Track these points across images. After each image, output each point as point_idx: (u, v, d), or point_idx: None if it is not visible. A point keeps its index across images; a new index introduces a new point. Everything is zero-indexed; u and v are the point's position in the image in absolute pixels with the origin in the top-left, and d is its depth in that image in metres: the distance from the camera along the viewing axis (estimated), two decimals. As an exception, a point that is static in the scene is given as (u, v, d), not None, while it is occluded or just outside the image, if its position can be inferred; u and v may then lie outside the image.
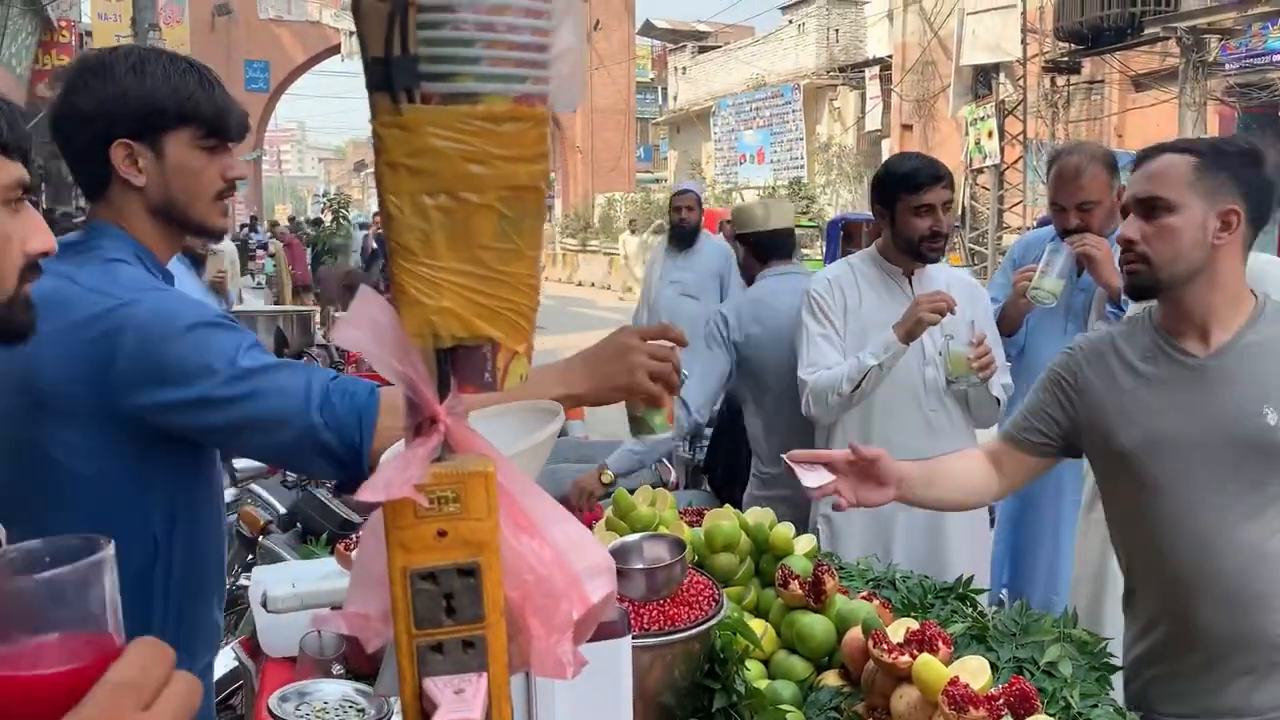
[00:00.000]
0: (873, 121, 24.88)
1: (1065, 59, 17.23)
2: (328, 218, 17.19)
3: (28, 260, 1.10)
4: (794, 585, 2.01)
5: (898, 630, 1.95)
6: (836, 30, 27.05)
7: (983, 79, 18.81)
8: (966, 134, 18.97)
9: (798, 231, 16.75)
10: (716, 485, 4.27)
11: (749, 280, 3.62)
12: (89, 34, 16.61)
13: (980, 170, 18.96)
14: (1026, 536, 3.47)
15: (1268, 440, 1.72)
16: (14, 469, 1.50)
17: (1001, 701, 1.54)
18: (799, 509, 2.97)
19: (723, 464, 4.16)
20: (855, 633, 1.92)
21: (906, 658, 1.68)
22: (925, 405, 3.01)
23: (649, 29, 38.60)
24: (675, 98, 34.30)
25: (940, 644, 1.70)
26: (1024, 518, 3.48)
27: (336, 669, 1.75)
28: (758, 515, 2.25)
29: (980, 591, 2.30)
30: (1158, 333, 1.87)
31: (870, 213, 3.14)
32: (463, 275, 0.67)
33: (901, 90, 22.69)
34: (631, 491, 2.40)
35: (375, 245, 15.14)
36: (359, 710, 1.60)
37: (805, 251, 18.54)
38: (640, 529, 2.25)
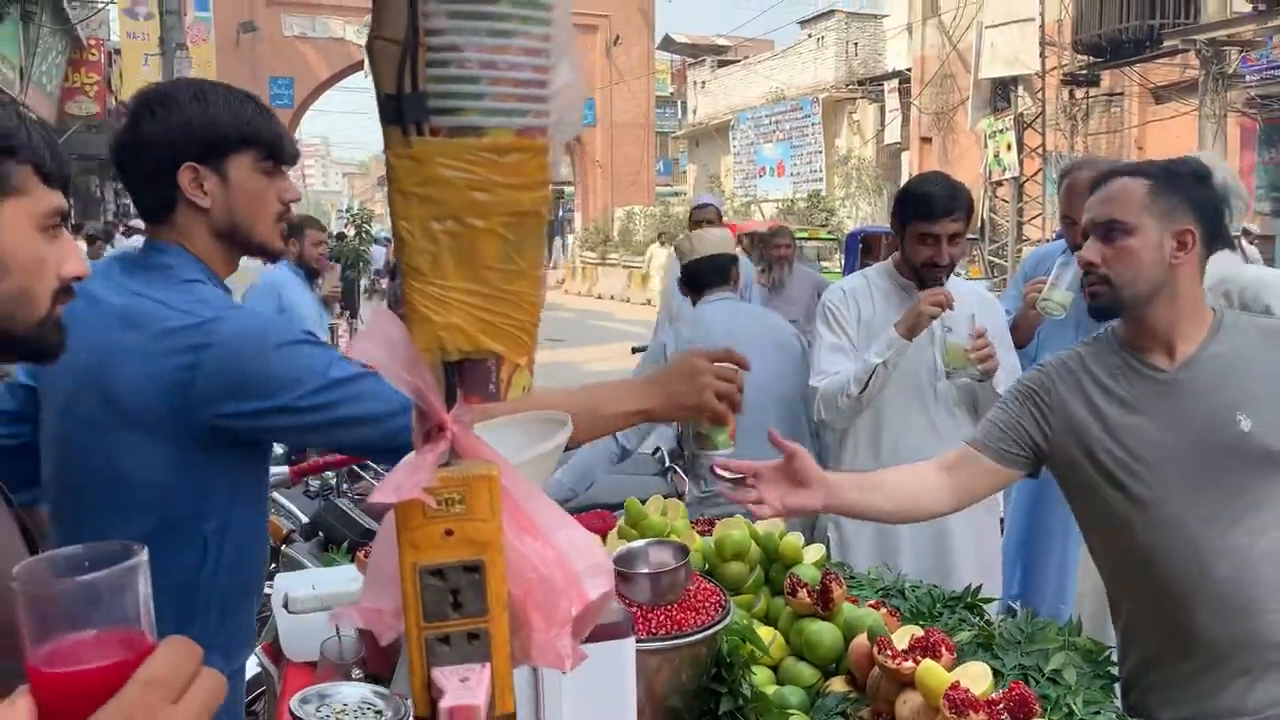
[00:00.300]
0: (892, 134, 24.89)
1: (1084, 71, 17.22)
2: (350, 232, 17.36)
3: (61, 284, 1.15)
4: (802, 593, 2.05)
5: (903, 637, 1.99)
6: (855, 44, 27.09)
7: (1001, 92, 18.82)
8: (985, 147, 18.97)
9: (817, 244, 16.74)
10: None
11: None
12: (117, 52, 16.87)
13: (999, 183, 18.95)
14: (1036, 547, 3.50)
15: (1244, 445, 1.77)
16: (76, 470, 1.58)
17: (1001, 706, 1.58)
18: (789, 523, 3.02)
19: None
20: (861, 639, 1.96)
21: (910, 663, 1.72)
22: (933, 412, 3.05)
23: (668, 44, 38.75)
24: (694, 111, 34.42)
25: (944, 650, 1.74)
26: (1033, 529, 3.51)
27: (356, 673, 1.80)
28: (768, 524, 2.29)
29: (988, 601, 2.34)
30: (1124, 350, 1.92)
31: (889, 225, 3.19)
32: (469, 294, 0.72)
33: (920, 103, 22.70)
34: (644, 501, 2.45)
35: (394, 259, 15.17)
36: (377, 712, 1.65)
37: (824, 264, 18.57)
38: (652, 537, 2.30)
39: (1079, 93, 17.83)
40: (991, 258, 19.02)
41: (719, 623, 1.68)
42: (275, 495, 3.71)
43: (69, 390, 1.58)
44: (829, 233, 20.20)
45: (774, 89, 28.80)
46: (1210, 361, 1.84)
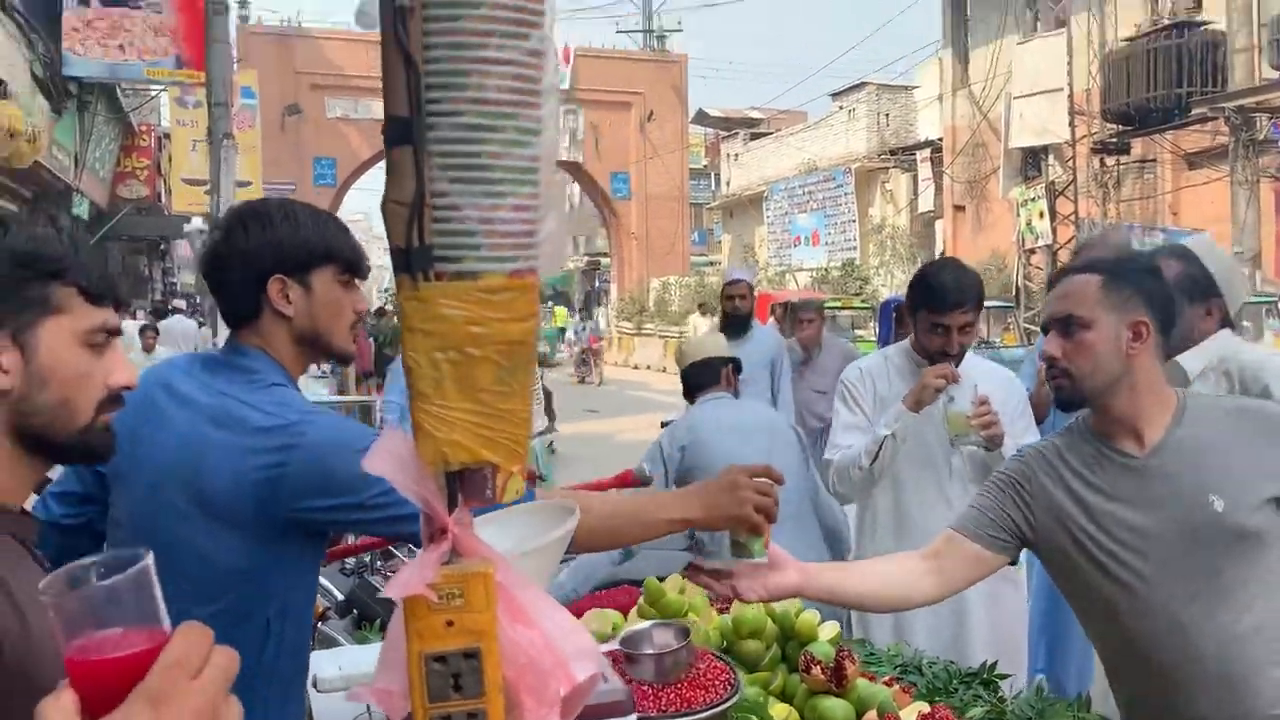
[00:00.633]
0: (925, 203, 25.03)
1: (1114, 140, 17.30)
2: (391, 308, 17.67)
3: (109, 393, 1.27)
4: (816, 670, 2.11)
5: (911, 713, 2.05)
6: (886, 115, 27.36)
7: (1032, 160, 18.93)
8: (1018, 215, 19.04)
9: (851, 313, 16.75)
10: None
11: None
12: (167, 136, 17.48)
13: (1033, 250, 18.98)
14: (1060, 619, 3.52)
15: (1219, 525, 1.83)
16: (153, 549, 1.69)
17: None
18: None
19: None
20: (871, 716, 2.02)
21: (913, 739, 1.77)
22: (947, 486, 3.12)
23: (702, 118, 39.38)
24: (728, 183, 34.84)
25: (948, 725, 1.79)
26: (1057, 601, 3.52)
27: (383, 749, 1.89)
28: (785, 602, 2.36)
29: (1003, 677, 2.39)
30: (1095, 439, 1.99)
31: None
32: (467, 413, 0.84)
33: (953, 172, 22.87)
34: (662, 579, 2.53)
35: None
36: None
37: (859, 332, 18.62)
38: (670, 615, 2.38)
39: (1109, 160, 17.90)
40: (1026, 325, 18.97)
41: (727, 700, 1.75)
42: (312, 572, 3.80)
43: (153, 479, 1.70)
44: (863, 301, 20.28)
45: (806, 160, 29.11)
46: (1178, 445, 1.91)
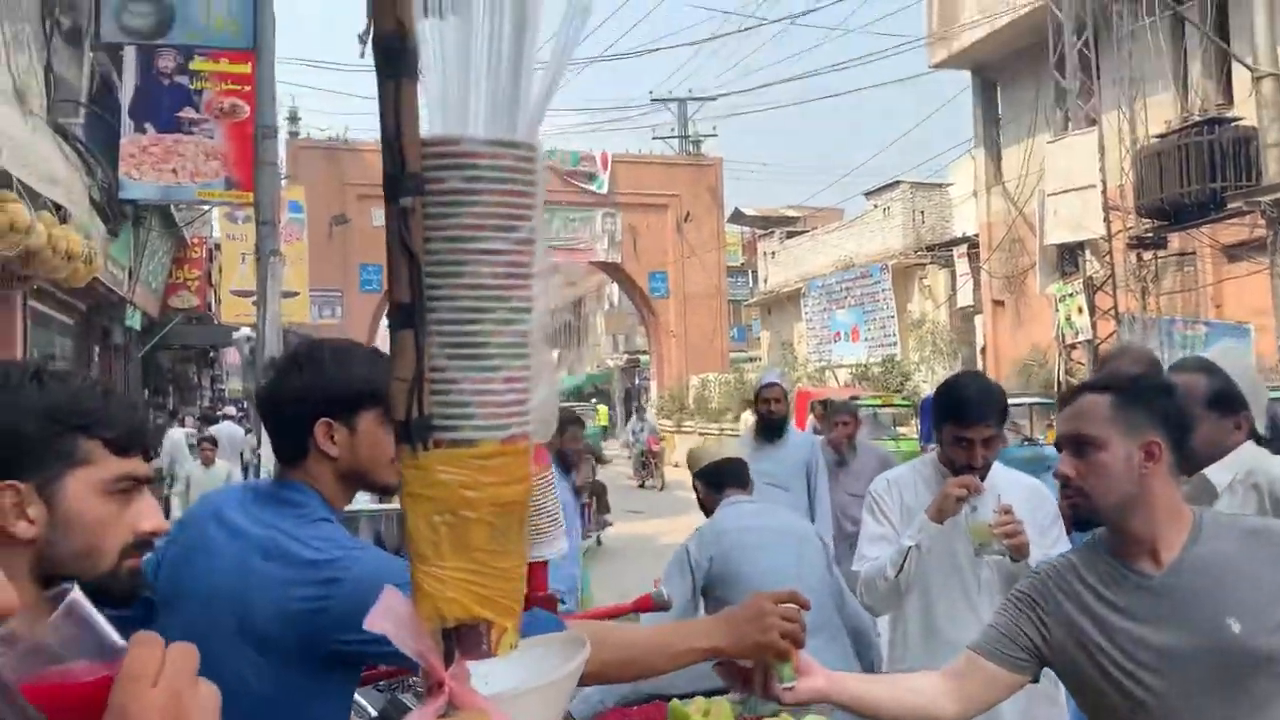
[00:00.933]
0: (964, 298, 25.04)
1: (1150, 235, 17.30)
2: None
3: (137, 539, 1.33)
4: (842, 792, 2.11)
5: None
6: (922, 212, 27.59)
7: (1068, 256, 18.94)
8: (1057, 310, 18.97)
9: (892, 410, 16.67)
10: None
11: (708, 513, 3.86)
12: (218, 247, 18.04)
13: (1074, 346, 18.87)
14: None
15: (1236, 648, 1.82)
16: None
17: None
18: None
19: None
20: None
21: None
22: (976, 598, 3.11)
23: (738, 217, 39.95)
24: (765, 280, 35.14)
25: None
26: None
27: None
28: (812, 720, 2.37)
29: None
30: (1111, 558, 2.00)
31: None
32: (463, 572, 0.90)
33: (990, 268, 22.92)
34: (687, 696, 2.54)
35: None
36: None
37: (900, 430, 18.51)
38: (694, 737, 2.39)
39: (1147, 255, 17.87)
40: (1070, 420, 18.75)
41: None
42: (345, 688, 3.82)
43: (202, 606, 1.77)
44: (904, 398, 20.20)
45: (843, 256, 29.32)
46: (1195, 565, 1.91)
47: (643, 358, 41.14)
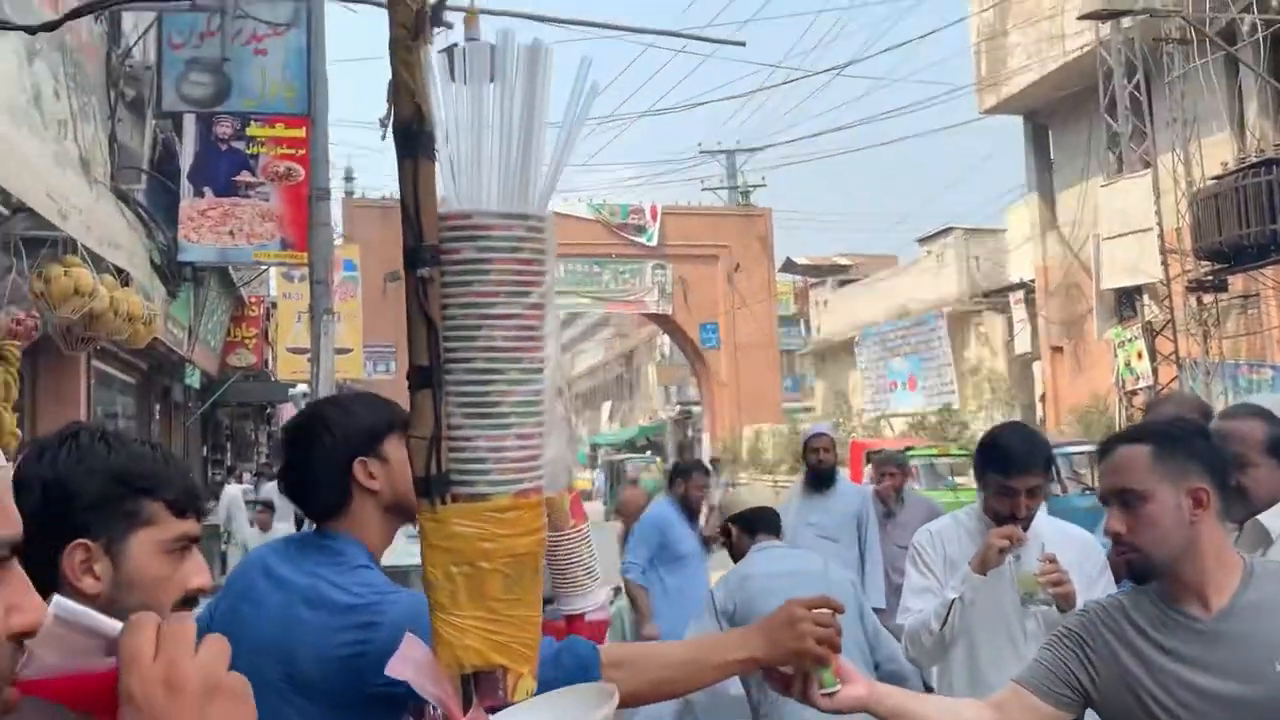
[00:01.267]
0: (1022, 344, 24.74)
1: (1210, 277, 17.03)
2: None
3: (186, 595, 1.39)
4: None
5: None
6: (976, 258, 27.36)
7: (1126, 300, 18.68)
8: (1116, 356, 18.69)
9: (949, 460, 16.34)
10: None
11: (737, 559, 3.84)
12: (274, 305, 18.44)
13: (1134, 392, 18.54)
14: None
15: None
16: None
17: None
18: None
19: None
20: None
21: None
22: (1024, 650, 3.07)
23: (790, 266, 39.95)
24: (818, 329, 35.03)
25: None
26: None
27: None
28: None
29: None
30: (1161, 601, 1.98)
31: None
32: (479, 620, 0.95)
33: (1047, 313, 22.66)
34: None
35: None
36: None
37: (958, 480, 18.23)
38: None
39: (1207, 298, 17.58)
40: (1132, 467, 18.37)
41: None
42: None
43: (250, 656, 1.82)
44: (960, 448, 19.91)
45: (897, 305, 29.14)
46: (1245, 610, 1.90)
47: (695, 409, 41.06)
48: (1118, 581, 3.40)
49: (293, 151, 9.07)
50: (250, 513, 12.17)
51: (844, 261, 39.76)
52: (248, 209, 9.05)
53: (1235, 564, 1.95)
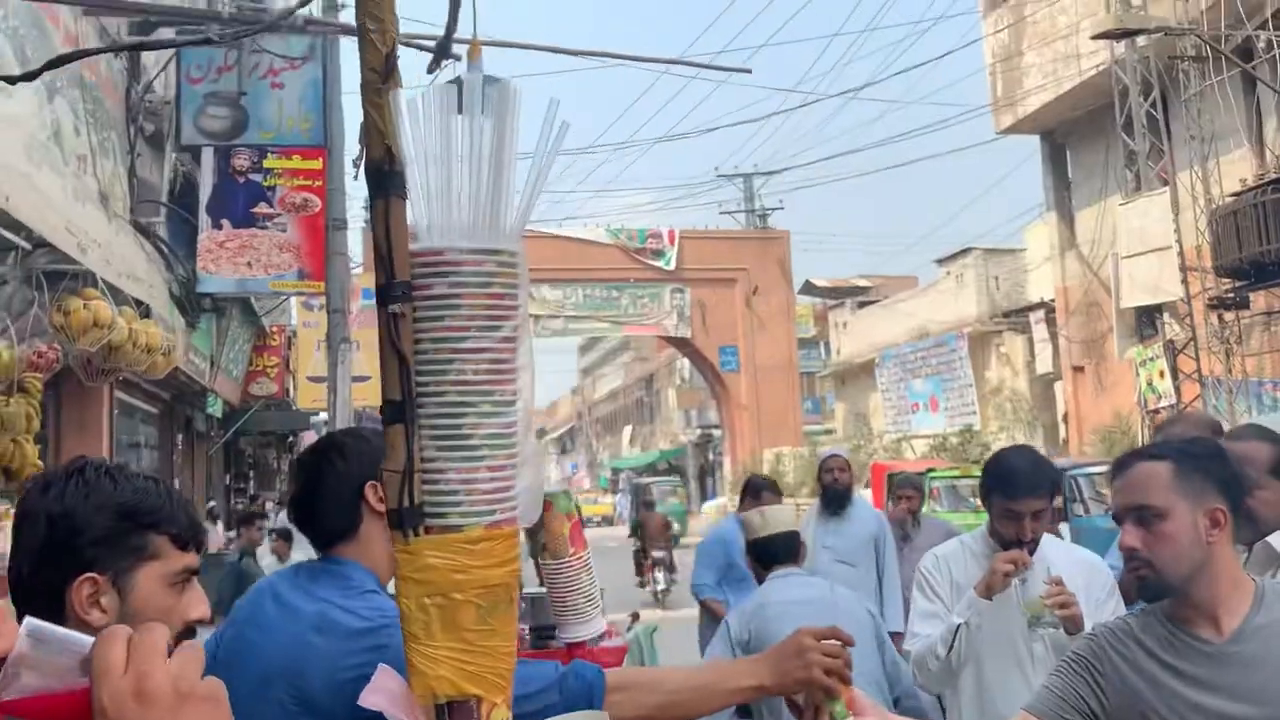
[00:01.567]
0: (1043, 364, 24.60)
1: (1230, 295, 16.90)
2: None
3: (185, 626, 1.42)
4: None
5: None
6: (995, 278, 27.26)
7: (1147, 319, 18.56)
8: (1138, 375, 18.54)
9: (971, 482, 16.18)
10: None
11: (759, 581, 3.78)
12: (295, 334, 18.59)
13: (1157, 411, 18.36)
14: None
15: None
16: None
17: None
18: None
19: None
20: None
21: None
22: (1031, 675, 3.05)
23: (810, 288, 39.93)
24: (838, 351, 34.95)
25: None
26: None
27: None
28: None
29: None
30: (1171, 623, 1.97)
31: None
32: (453, 651, 0.96)
33: (1068, 333, 22.53)
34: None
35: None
36: None
37: (979, 502, 18.04)
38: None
39: (1229, 315, 17.43)
40: (1157, 487, 18.18)
41: None
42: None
43: (259, 681, 1.85)
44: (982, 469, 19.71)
45: (917, 325, 29.05)
46: (1257, 633, 1.88)
47: (715, 432, 40.97)
48: (1127, 604, 3.38)
49: (309, 183, 9.17)
50: (269, 541, 12.21)
51: (864, 283, 39.70)
52: (265, 240, 9.16)
53: (1247, 586, 1.94)
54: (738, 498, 6.61)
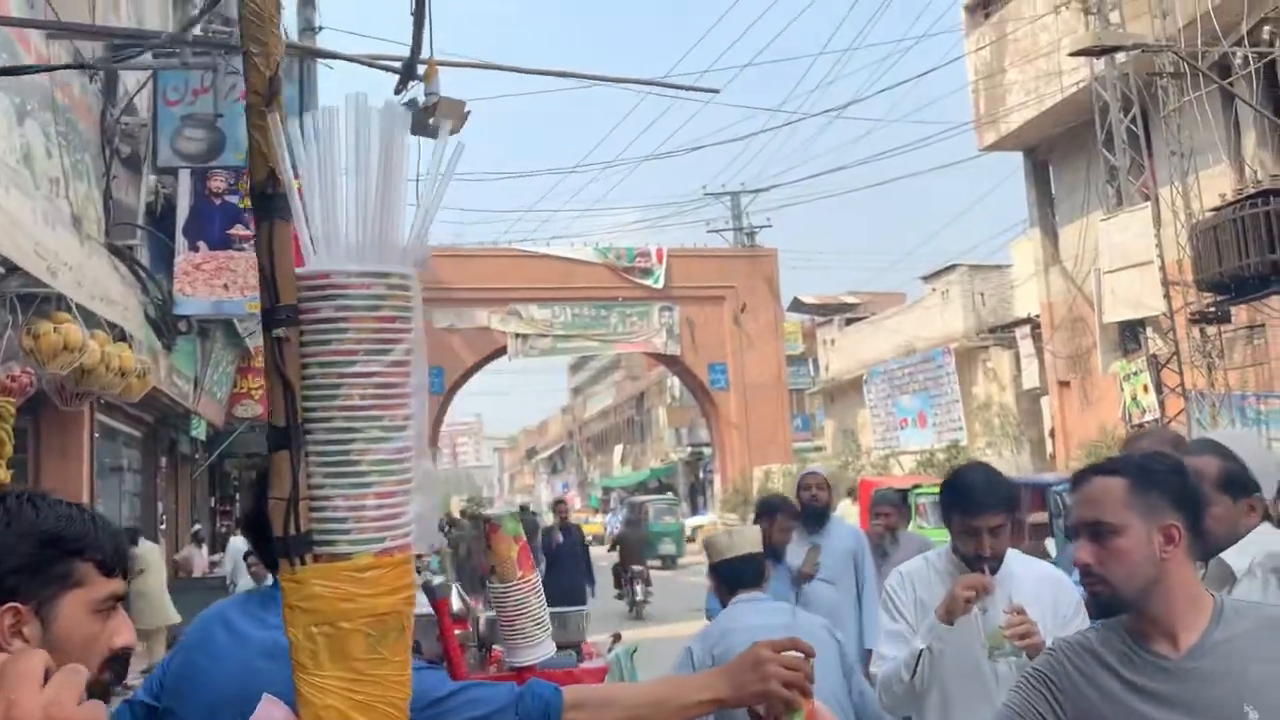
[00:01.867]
0: (1029, 379, 24.65)
1: (1212, 309, 16.97)
2: (466, 524, 17.27)
3: (112, 653, 1.40)
4: None
5: None
6: (981, 294, 27.36)
7: (1130, 333, 18.62)
8: (1122, 390, 18.59)
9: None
10: None
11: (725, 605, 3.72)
12: (281, 356, 18.52)
13: (1141, 424, 18.40)
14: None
15: None
16: None
17: None
18: None
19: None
20: None
21: None
22: (996, 699, 3.03)
23: (798, 305, 40.00)
24: (827, 368, 34.98)
25: None
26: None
27: None
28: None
29: None
30: (1129, 638, 1.96)
31: (1030, 477, 3.27)
32: (341, 680, 0.95)
33: (1054, 348, 22.60)
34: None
35: (559, 538, 13.78)
36: None
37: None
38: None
39: (1211, 329, 17.50)
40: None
41: None
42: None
43: (207, 706, 1.83)
44: (968, 484, 19.71)
45: (904, 342, 29.12)
46: (1214, 650, 1.87)
47: (706, 450, 40.92)
48: (1093, 620, 3.36)
49: (286, 204, 9.15)
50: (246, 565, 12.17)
51: (851, 300, 39.77)
52: (241, 262, 9.14)
53: (1205, 603, 1.93)
54: (729, 514, 6.55)
